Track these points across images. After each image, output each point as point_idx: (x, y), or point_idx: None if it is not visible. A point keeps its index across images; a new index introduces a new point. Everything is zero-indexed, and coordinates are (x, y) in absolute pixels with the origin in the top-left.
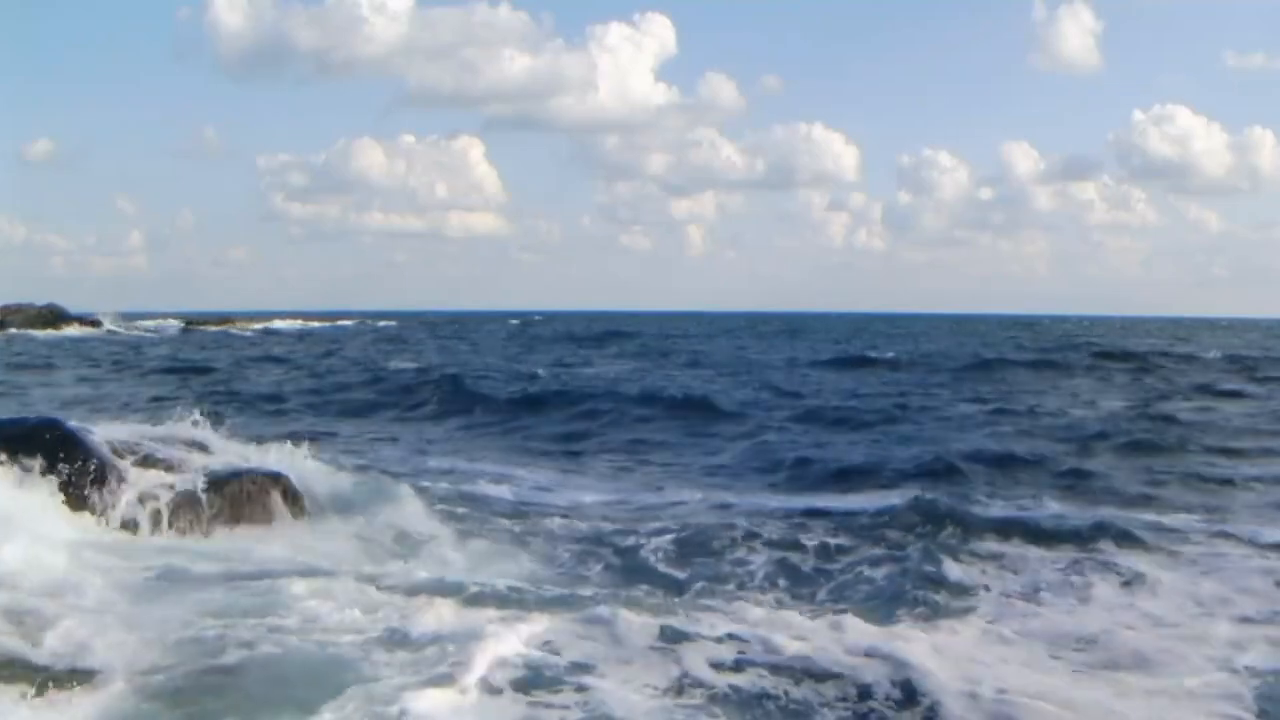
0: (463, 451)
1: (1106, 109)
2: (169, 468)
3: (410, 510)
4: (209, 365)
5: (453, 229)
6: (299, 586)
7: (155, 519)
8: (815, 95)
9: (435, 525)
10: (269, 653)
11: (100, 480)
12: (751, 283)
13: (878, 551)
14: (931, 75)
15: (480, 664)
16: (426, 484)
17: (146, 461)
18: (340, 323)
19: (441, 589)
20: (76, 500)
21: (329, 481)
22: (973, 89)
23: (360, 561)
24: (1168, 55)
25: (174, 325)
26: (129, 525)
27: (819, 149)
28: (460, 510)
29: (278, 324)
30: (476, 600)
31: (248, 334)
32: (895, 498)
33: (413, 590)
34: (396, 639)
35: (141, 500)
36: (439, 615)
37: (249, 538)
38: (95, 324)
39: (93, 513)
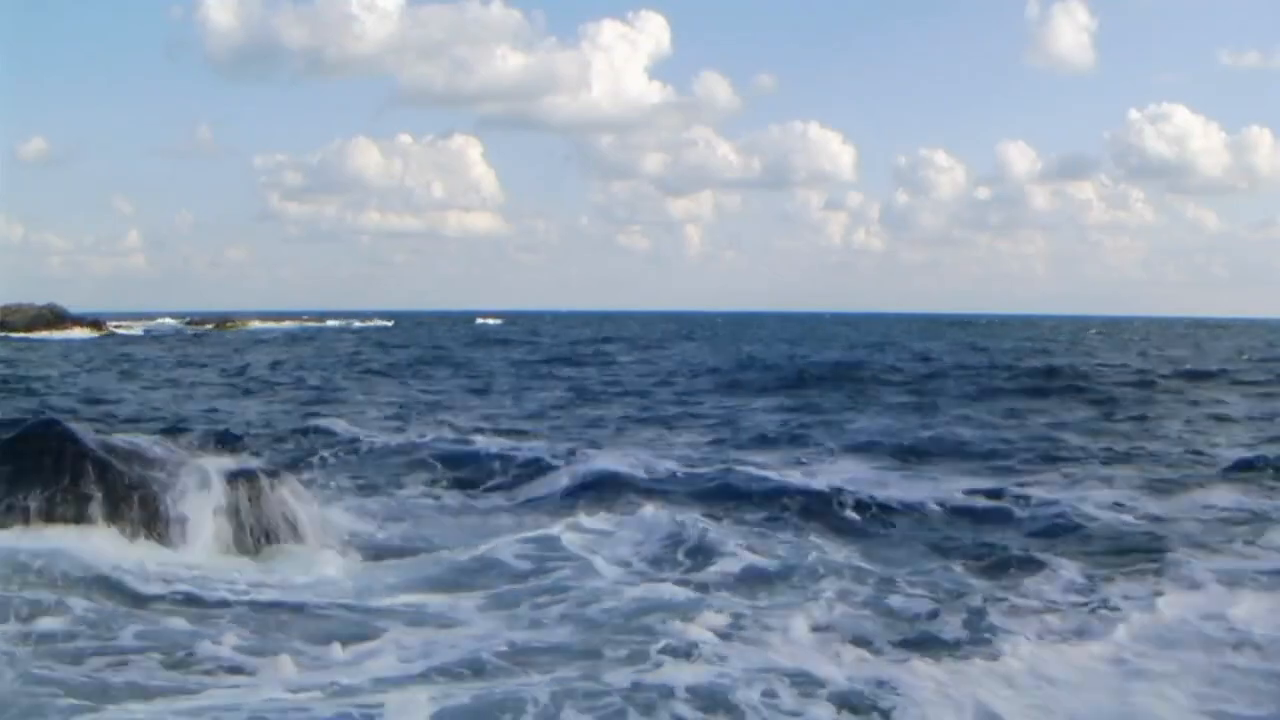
0: None
1: (1103, 108)
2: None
3: None
4: None
5: (450, 229)
6: None
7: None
8: (811, 94)
9: None
10: None
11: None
12: (750, 282)
13: None
14: (927, 74)
15: None
16: None
17: (143, 463)
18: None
19: None
20: None
21: None
22: (968, 88)
23: None
24: (1162, 53)
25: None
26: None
27: (815, 148)
28: None
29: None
30: None
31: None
32: None
33: None
34: None
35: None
36: None
37: None
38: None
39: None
